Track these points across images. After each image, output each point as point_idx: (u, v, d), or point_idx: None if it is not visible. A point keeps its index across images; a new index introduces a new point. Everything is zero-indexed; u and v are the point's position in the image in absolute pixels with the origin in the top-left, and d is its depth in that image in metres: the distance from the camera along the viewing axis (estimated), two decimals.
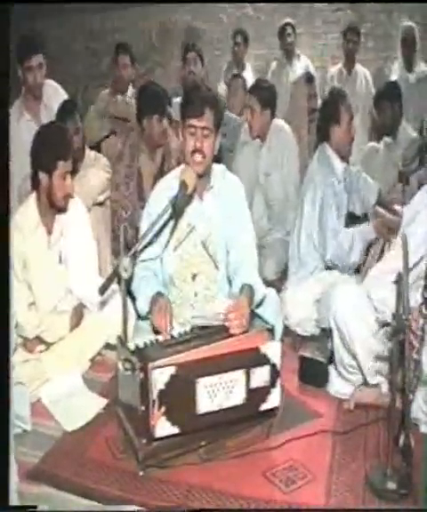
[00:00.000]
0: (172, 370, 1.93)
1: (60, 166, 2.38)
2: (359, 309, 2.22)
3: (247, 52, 5.14)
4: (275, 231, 3.52)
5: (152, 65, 5.40)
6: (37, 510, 1.74)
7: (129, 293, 2.45)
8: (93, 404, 2.32)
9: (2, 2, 1.85)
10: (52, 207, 2.47)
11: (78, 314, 2.59)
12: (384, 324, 2.15)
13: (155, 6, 5.35)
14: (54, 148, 2.35)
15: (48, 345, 2.49)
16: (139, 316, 2.46)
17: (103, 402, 2.33)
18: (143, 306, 2.35)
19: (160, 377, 1.91)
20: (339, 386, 2.36)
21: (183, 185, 2.23)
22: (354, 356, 2.25)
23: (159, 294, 2.32)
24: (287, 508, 1.86)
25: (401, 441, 1.90)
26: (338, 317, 2.25)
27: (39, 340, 2.48)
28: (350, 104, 2.91)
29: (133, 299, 2.47)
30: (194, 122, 2.26)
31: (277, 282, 3.16)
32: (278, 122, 3.55)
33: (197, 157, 2.28)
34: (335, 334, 2.29)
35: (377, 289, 2.19)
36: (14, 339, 2.27)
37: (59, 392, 2.36)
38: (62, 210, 2.49)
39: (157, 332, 2.22)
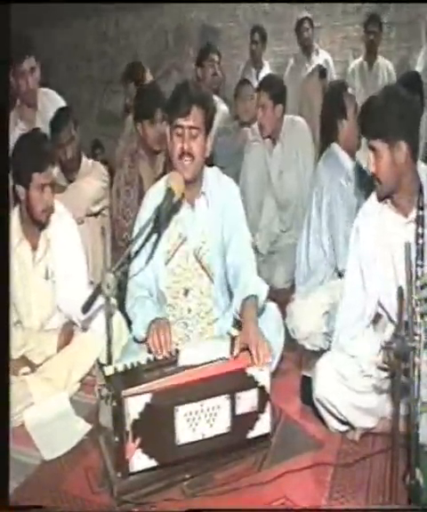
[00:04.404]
0: (147, 398, 1.75)
1: (36, 178, 2.23)
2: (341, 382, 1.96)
3: (266, 50, 4.94)
4: (287, 236, 3.31)
5: (168, 67, 5.26)
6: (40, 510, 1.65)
7: (122, 310, 2.30)
8: (78, 430, 2.15)
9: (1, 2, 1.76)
10: (33, 222, 2.34)
11: (67, 332, 2.44)
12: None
13: (169, 6, 5.21)
14: (28, 160, 2.21)
15: (34, 366, 2.35)
16: (135, 340, 2.28)
17: (88, 427, 2.17)
18: (140, 331, 2.15)
19: (134, 406, 1.74)
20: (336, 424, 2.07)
21: (170, 192, 2.07)
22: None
23: (158, 318, 2.14)
24: (287, 508, 1.73)
25: (408, 477, 1.67)
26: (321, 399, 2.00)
27: (24, 360, 2.34)
28: (354, 95, 2.68)
29: (129, 319, 2.31)
30: (180, 121, 2.09)
31: (288, 291, 2.95)
32: (291, 117, 3.37)
33: (185, 161, 2.11)
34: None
35: (353, 342, 1.98)
36: None
37: (43, 417, 2.21)
38: (43, 225, 2.35)
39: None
